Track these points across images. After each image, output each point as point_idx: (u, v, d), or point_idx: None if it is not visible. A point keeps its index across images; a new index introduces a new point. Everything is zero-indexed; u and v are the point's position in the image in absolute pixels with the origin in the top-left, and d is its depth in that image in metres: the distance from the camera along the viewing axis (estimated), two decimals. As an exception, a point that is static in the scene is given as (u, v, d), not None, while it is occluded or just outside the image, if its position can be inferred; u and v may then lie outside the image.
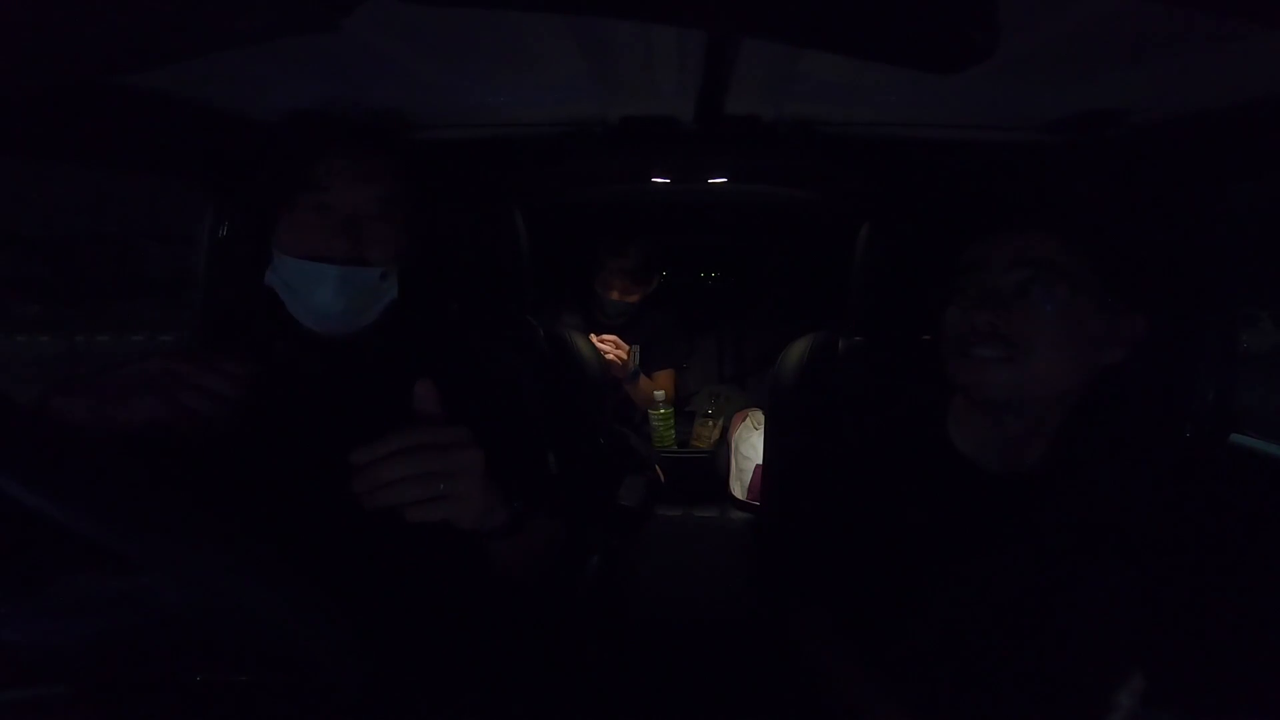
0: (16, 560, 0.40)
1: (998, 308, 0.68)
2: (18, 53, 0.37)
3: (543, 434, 0.89)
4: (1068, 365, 0.69)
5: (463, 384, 0.83)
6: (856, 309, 1.04)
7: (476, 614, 0.75)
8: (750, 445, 1.68)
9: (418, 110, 0.88)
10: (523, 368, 0.92)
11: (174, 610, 0.39)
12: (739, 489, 1.71)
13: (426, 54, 0.67)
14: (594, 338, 1.71)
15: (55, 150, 0.75)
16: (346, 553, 0.66)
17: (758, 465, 1.65)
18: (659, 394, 1.82)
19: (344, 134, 0.76)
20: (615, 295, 1.80)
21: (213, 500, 0.38)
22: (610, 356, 1.69)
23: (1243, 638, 0.65)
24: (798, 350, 1.07)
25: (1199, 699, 0.64)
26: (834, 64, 0.69)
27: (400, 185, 0.77)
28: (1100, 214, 0.72)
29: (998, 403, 0.71)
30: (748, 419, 1.74)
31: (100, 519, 0.35)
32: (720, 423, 1.90)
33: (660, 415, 1.82)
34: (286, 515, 0.64)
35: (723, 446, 1.82)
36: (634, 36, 0.65)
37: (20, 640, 0.39)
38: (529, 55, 0.68)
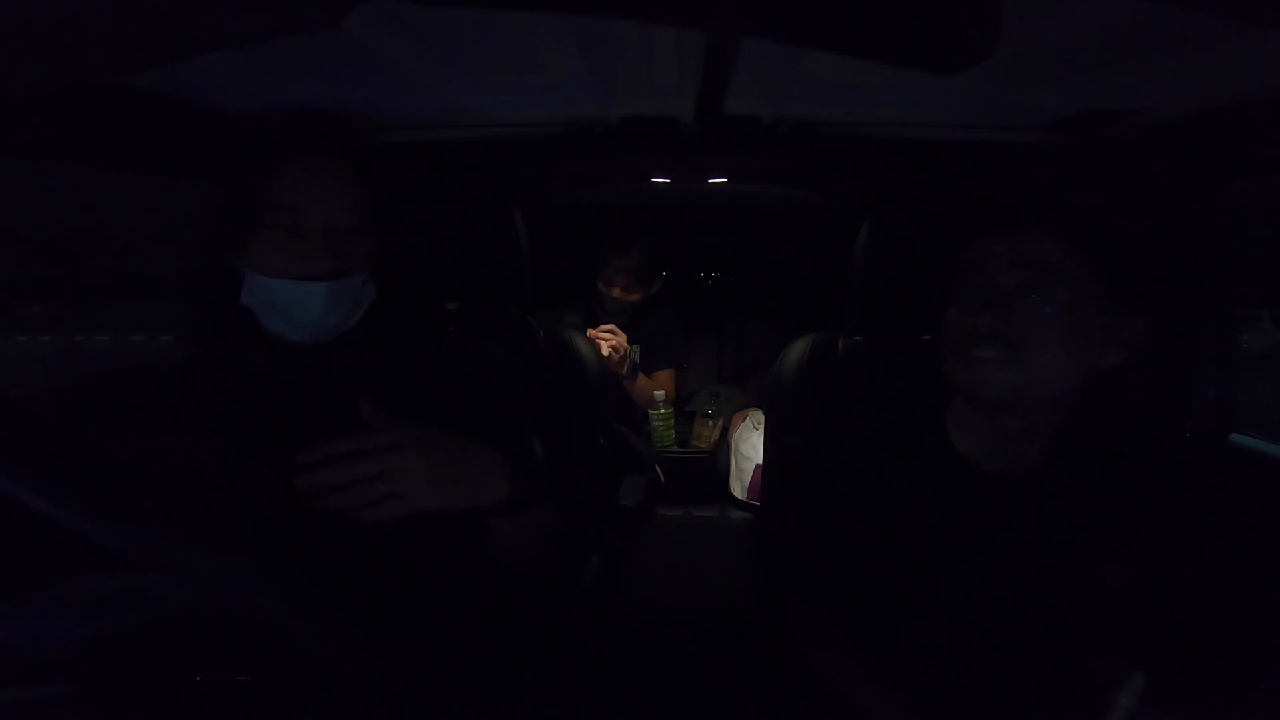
0: (16, 560, 0.40)
1: (998, 309, 0.68)
2: (18, 53, 0.38)
3: (529, 424, 0.90)
4: (1067, 366, 0.69)
5: (435, 378, 0.85)
6: (856, 309, 1.04)
7: (476, 612, 0.75)
8: (750, 445, 1.68)
9: (418, 111, 0.88)
10: (506, 360, 0.92)
11: (174, 610, 0.39)
12: (739, 489, 1.71)
13: (427, 54, 0.67)
14: (590, 330, 1.71)
15: (55, 150, 0.75)
16: (344, 554, 0.66)
17: (758, 465, 1.65)
18: (659, 394, 1.82)
19: (301, 149, 0.74)
20: (617, 293, 1.81)
21: (208, 506, 0.39)
22: (610, 345, 1.69)
23: (1242, 638, 0.65)
24: (798, 350, 1.07)
25: (1199, 699, 0.64)
26: (834, 64, 0.69)
27: (366, 190, 0.76)
28: (1100, 215, 0.72)
29: (997, 403, 0.71)
30: (748, 419, 1.74)
31: (100, 519, 0.35)
32: (720, 423, 1.90)
33: (660, 415, 1.82)
34: (281, 518, 0.64)
35: (723, 446, 1.82)
36: (634, 36, 0.65)
37: (20, 640, 0.39)
38: (529, 55, 0.68)
